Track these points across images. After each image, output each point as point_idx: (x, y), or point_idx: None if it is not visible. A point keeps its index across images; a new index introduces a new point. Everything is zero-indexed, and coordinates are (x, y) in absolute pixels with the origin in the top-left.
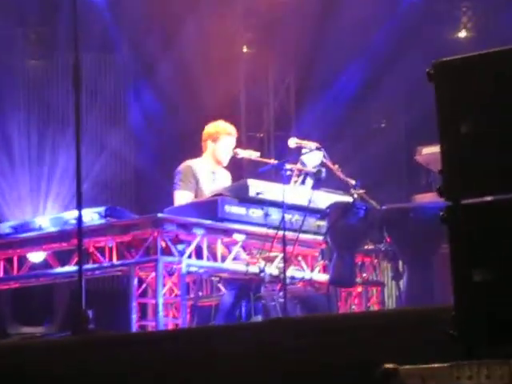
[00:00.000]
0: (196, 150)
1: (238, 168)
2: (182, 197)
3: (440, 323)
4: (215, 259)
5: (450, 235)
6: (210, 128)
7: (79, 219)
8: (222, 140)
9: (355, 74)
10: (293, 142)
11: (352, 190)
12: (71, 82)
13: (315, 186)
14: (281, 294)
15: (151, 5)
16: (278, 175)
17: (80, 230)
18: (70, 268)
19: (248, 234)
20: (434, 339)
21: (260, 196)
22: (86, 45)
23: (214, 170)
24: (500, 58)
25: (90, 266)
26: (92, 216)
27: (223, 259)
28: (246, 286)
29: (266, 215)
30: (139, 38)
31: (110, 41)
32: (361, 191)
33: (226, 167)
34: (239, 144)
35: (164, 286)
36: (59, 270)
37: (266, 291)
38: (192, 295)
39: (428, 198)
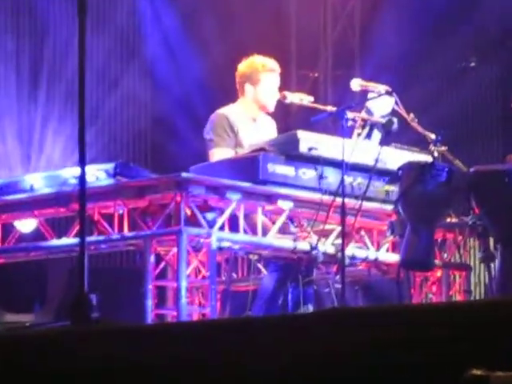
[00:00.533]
0: (232, 94)
1: (285, 116)
2: (220, 155)
3: None
4: (254, 232)
5: None
6: (245, 66)
7: (81, 178)
8: (263, 80)
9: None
10: (356, 84)
11: (431, 147)
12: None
13: (384, 141)
14: (338, 277)
15: None
16: (336, 126)
17: (82, 192)
18: (69, 240)
19: (297, 200)
20: None
21: (313, 152)
22: None
23: (255, 117)
24: None
25: (94, 238)
26: (98, 174)
27: (264, 232)
28: (292, 267)
29: (321, 177)
30: None
31: None
32: (443, 148)
33: (271, 114)
34: (287, 85)
35: (188, 265)
36: (55, 242)
37: (319, 274)
38: (224, 277)
39: None
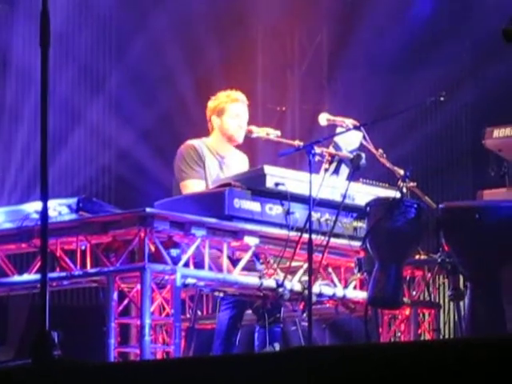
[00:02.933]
0: (198, 127)
1: (251, 151)
2: (193, 187)
3: None
4: (219, 269)
5: None
6: (212, 101)
7: (43, 213)
8: (228, 110)
9: (406, 32)
10: (324, 119)
11: (400, 183)
12: (38, 33)
13: (352, 176)
14: (305, 315)
15: None
16: (303, 161)
17: (44, 227)
18: (31, 276)
19: (263, 236)
20: (508, 378)
21: (280, 188)
22: None
23: (223, 154)
24: None
25: (56, 274)
26: (60, 209)
27: (230, 269)
28: (251, 304)
29: (288, 213)
30: None
31: None
32: (412, 184)
33: (242, 150)
34: (254, 120)
35: (152, 302)
36: (16, 278)
37: (286, 312)
38: (189, 315)
39: (500, 195)
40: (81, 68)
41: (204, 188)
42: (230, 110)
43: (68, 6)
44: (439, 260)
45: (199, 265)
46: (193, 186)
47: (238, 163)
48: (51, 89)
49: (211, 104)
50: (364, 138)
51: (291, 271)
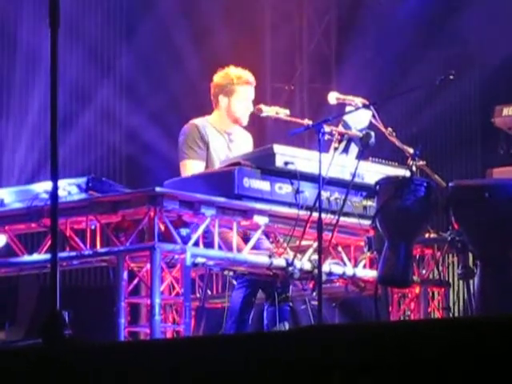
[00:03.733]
0: (206, 108)
1: (260, 130)
2: (191, 168)
3: None
4: (229, 248)
5: None
6: (220, 78)
7: (53, 192)
8: (237, 92)
9: (416, 9)
10: (333, 98)
11: (410, 161)
12: (47, 15)
13: (362, 155)
14: (314, 294)
15: None
16: (312, 140)
17: (54, 207)
18: (41, 256)
19: (273, 215)
20: None
21: (289, 167)
22: None
23: (229, 131)
24: None
25: (66, 253)
26: (69, 189)
27: (240, 248)
28: (262, 283)
29: (297, 192)
30: None
31: None
32: (421, 163)
33: (246, 128)
34: (263, 98)
35: (162, 281)
36: (26, 258)
37: (296, 291)
38: (198, 294)
39: (509, 173)
40: (90, 49)
41: (202, 169)
42: (240, 93)
43: None
44: (449, 238)
45: (209, 244)
46: (191, 166)
47: (244, 141)
48: (60, 70)
49: (220, 80)
50: (373, 116)
51: (301, 250)
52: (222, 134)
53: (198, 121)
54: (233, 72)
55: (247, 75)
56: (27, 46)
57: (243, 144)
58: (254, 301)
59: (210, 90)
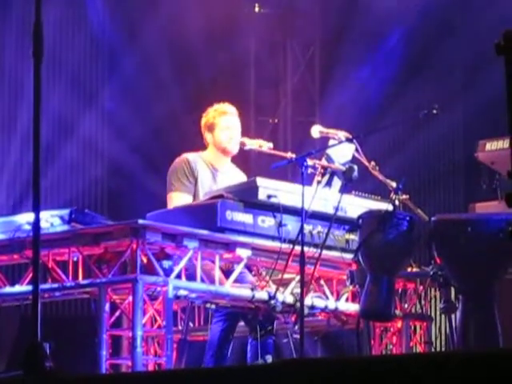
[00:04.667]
0: (190, 140)
1: (244, 163)
2: (178, 201)
3: (507, 372)
4: (212, 281)
5: None
6: (204, 117)
7: (35, 224)
8: (218, 124)
9: (399, 44)
10: (316, 131)
11: (392, 195)
12: (30, 45)
13: (345, 189)
14: (296, 327)
15: None
16: (296, 173)
17: (36, 239)
18: (22, 288)
19: (255, 248)
20: None
21: (272, 200)
22: None
23: (217, 167)
24: None
25: (48, 285)
26: (52, 220)
27: (222, 281)
28: (244, 316)
29: (280, 225)
30: None
31: None
32: (404, 197)
33: (234, 161)
34: (247, 131)
35: (144, 313)
36: (8, 289)
37: (278, 324)
38: (181, 327)
39: (491, 208)
40: (73, 80)
41: (189, 202)
42: (220, 124)
43: (60, 17)
44: (431, 273)
45: (191, 276)
46: (178, 198)
47: (235, 179)
48: (43, 101)
49: (203, 120)
50: (356, 150)
51: (283, 283)
52: (210, 168)
53: (189, 155)
54: (212, 108)
55: (225, 106)
56: (10, 77)
57: (233, 181)
58: (233, 334)
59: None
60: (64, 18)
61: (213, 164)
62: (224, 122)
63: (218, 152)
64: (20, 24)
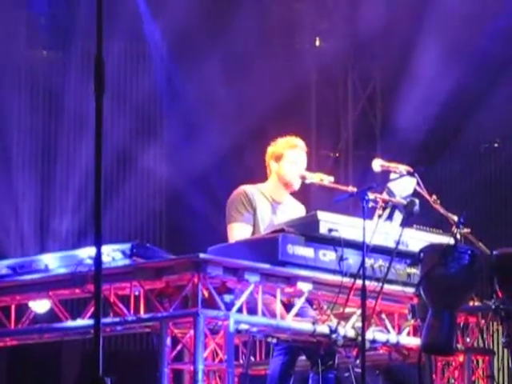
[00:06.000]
0: (252, 173)
1: (304, 197)
2: (238, 231)
3: None
4: (273, 315)
5: None
6: (271, 146)
7: (97, 258)
8: (285, 156)
9: (460, 79)
10: (377, 165)
11: (454, 229)
12: (92, 80)
13: (406, 223)
14: (358, 361)
15: None
16: (357, 207)
17: (98, 273)
18: (84, 322)
19: (317, 282)
20: None
21: (333, 233)
22: (111, 31)
23: (278, 200)
24: None
25: (109, 319)
26: (114, 255)
27: (283, 315)
28: (305, 350)
29: (341, 259)
30: (179, 23)
31: (142, 26)
32: (465, 230)
33: (295, 195)
34: (308, 166)
35: (206, 347)
36: (69, 323)
37: (339, 358)
38: (242, 361)
39: None
40: (134, 114)
41: (250, 232)
42: (288, 156)
43: (120, 51)
44: (493, 306)
45: (252, 310)
46: (238, 229)
47: (294, 212)
48: (104, 134)
49: (270, 149)
50: (418, 184)
51: (345, 317)
52: (270, 201)
53: (247, 187)
54: (282, 139)
55: (295, 140)
56: (74, 111)
57: (293, 214)
58: (293, 368)
59: (265, 163)
60: (125, 52)
61: (272, 196)
62: (292, 156)
63: (279, 184)
64: (82, 59)
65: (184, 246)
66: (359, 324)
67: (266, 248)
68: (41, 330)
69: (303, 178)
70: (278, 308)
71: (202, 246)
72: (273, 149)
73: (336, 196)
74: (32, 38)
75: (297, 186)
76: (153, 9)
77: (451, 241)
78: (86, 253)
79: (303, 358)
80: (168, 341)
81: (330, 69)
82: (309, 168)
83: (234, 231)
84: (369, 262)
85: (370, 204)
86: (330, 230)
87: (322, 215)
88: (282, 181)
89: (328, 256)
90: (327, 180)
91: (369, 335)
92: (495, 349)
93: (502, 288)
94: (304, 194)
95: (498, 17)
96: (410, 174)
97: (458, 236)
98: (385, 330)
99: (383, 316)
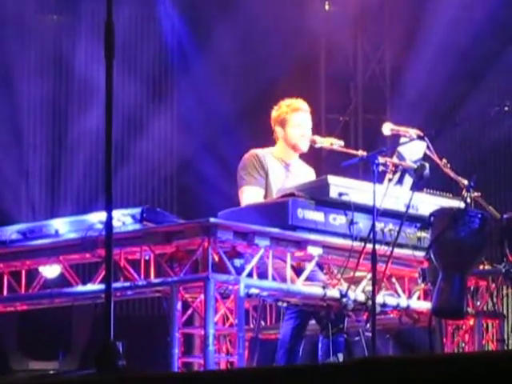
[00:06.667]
0: (261, 137)
1: (315, 161)
2: (250, 194)
3: None
4: (283, 279)
5: None
6: (275, 111)
7: (108, 223)
8: (290, 120)
9: (469, 43)
10: (387, 129)
11: (464, 193)
12: (102, 45)
13: (416, 186)
14: (368, 326)
15: None
16: (367, 171)
17: (109, 237)
18: (94, 287)
19: (327, 246)
20: None
21: (344, 198)
22: None
23: (288, 161)
24: None
25: (120, 284)
26: (124, 219)
27: (293, 279)
28: (315, 314)
29: (351, 223)
30: None
31: None
32: (476, 194)
33: (305, 159)
34: (317, 130)
35: (216, 312)
36: (80, 288)
37: (350, 322)
38: (252, 325)
39: None
40: (145, 79)
41: (262, 195)
42: (292, 120)
43: (131, 17)
44: (503, 270)
45: (263, 275)
46: (250, 192)
47: (304, 174)
48: (115, 100)
49: (274, 114)
50: (428, 147)
51: (355, 281)
52: (281, 164)
53: (258, 150)
54: (284, 102)
55: (298, 102)
56: (83, 76)
57: (303, 176)
58: (304, 332)
59: (271, 127)
60: (135, 17)
61: (283, 159)
62: (296, 119)
63: (288, 147)
64: (91, 24)
65: (195, 211)
66: (369, 288)
67: (276, 212)
68: (51, 294)
69: (313, 142)
70: (289, 272)
71: (213, 210)
72: (276, 113)
73: (346, 160)
74: (42, 3)
75: (305, 148)
76: None
77: (461, 204)
78: (97, 217)
79: (313, 322)
80: (178, 305)
81: (338, 33)
82: (318, 132)
83: (245, 194)
84: (379, 225)
85: (380, 168)
86: (341, 194)
87: (332, 179)
88: (289, 145)
89: (338, 220)
90: (337, 144)
91: (379, 299)
92: (505, 312)
93: None
94: (314, 158)
95: None
96: (420, 137)
97: (468, 200)
98: (395, 293)
99: (393, 280)
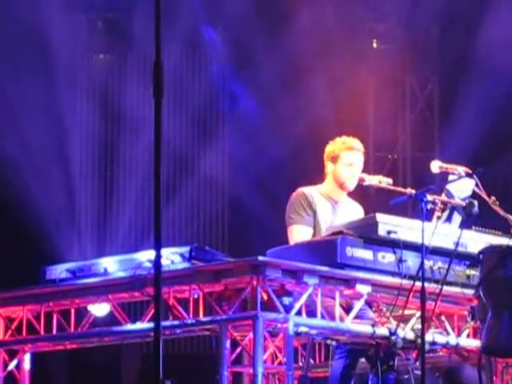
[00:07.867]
0: (311, 175)
1: (363, 199)
2: (299, 233)
3: None
4: (332, 317)
5: None
6: (329, 146)
7: (156, 261)
8: (341, 157)
9: None
10: (436, 166)
11: None
12: (151, 83)
13: (465, 224)
14: (418, 364)
15: None
16: (415, 209)
17: (157, 276)
18: (143, 325)
19: (375, 284)
20: None
21: (392, 235)
22: (170, 35)
23: (336, 199)
24: None
25: (169, 322)
26: (173, 258)
27: (342, 317)
28: (366, 353)
29: (400, 261)
30: (238, 26)
31: (201, 30)
32: None
33: (354, 197)
34: (365, 167)
35: (265, 350)
36: (129, 327)
37: (399, 360)
38: (301, 363)
39: None
40: (193, 118)
41: (310, 234)
42: (344, 158)
43: (181, 56)
44: None
45: (312, 313)
46: (298, 231)
47: (352, 211)
48: (164, 138)
49: (327, 149)
50: (476, 185)
51: (404, 319)
52: (329, 200)
53: (305, 189)
54: (340, 139)
55: (352, 141)
56: (132, 115)
57: (351, 214)
58: (354, 370)
59: (322, 163)
60: (185, 57)
61: (331, 196)
62: (348, 157)
63: (336, 185)
64: (139, 63)
65: (244, 249)
66: (418, 326)
67: (325, 250)
68: (100, 333)
69: (362, 180)
70: (338, 310)
71: (263, 249)
72: (330, 149)
73: (394, 198)
74: (91, 43)
75: (351, 187)
76: (210, 12)
77: (510, 242)
78: (145, 256)
79: (362, 360)
80: (227, 344)
81: (387, 71)
82: (367, 170)
83: (294, 233)
84: (428, 263)
85: (429, 206)
86: (389, 232)
87: (380, 217)
88: (337, 182)
89: (387, 258)
90: (385, 182)
91: (428, 337)
92: None
93: None
94: (363, 196)
95: None
96: (468, 175)
97: None
98: (444, 331)
99: (443, 318)
